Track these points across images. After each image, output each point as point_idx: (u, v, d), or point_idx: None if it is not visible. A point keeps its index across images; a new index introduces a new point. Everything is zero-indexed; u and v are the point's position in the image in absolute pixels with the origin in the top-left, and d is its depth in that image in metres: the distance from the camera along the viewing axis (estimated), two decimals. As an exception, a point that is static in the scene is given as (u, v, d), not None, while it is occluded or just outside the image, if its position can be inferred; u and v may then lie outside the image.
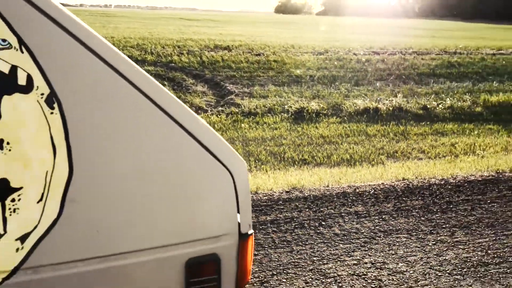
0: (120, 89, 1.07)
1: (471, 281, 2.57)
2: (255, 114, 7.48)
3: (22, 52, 1.00)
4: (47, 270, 1.01)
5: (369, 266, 2.68)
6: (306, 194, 3.69)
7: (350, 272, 2.62)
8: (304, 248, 2.87)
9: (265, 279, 2.51)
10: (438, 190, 3.91)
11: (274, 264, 2.64)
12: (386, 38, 19.84)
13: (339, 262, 2.72)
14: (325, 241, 2.95)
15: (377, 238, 3.03)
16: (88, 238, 1.04)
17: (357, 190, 3.82)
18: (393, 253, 2.85)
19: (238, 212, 1.20)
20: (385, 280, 2.55)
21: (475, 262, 2.77)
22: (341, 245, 2.92)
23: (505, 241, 3.04)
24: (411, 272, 2.64)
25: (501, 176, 4.36)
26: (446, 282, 2.56)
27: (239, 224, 1.20)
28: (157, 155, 1.10)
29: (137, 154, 1.08)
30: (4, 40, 0.99)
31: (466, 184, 4.09)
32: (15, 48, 1.00)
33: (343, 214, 3.35)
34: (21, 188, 0.99)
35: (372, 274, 2.60)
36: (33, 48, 1.00)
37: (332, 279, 2.54)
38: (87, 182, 1.03)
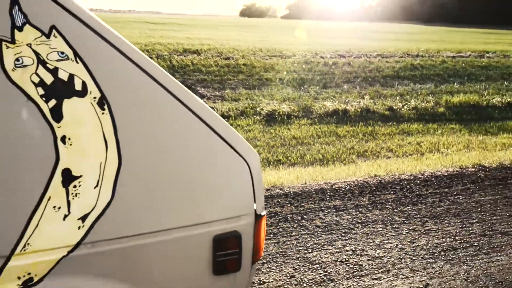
0: (157, 93, 1.28)
1: (442, 263, 2.87)
2: (228, 117, 7.70)
3: (77, 63, 1.20)
4: (103, 245, 1.21)
5: (350, 253, 2.94)
6: (286, 191, 3.94)
7: (333, 259, 2.87)
8: (289, 239, 3.10)
9: (257, 268, 2.73)
10: (408, 185, 4.22)
11: (263, 254, 2.86)
12: (351, 42, 20.37)
13: (322, 250, 2.97)
14: (308, 233, 3.20)
15: (355, 228, 3.30)
16: (135, 218, 1.24)
17: (334, 187, 4.09)
18: (371, 241, 3.12)
19: (254, 196, 1.42)
20: (365, 265, 2.82)
21: (444, 247, 3.07)
22: (323, 235, 3.17)
23: (470, 229, 3.36)
24: (388, 257, 2.92)
25: (464, 171, 4.72)
26: (420, 265, 2.84)
27: (255, 206, 1.42)
28: (188, 148, 1.31)
29: (172, 146, 1.29)
30: (62, 53, 1.19)
31: (433, 179, 4.42)
32: (71, 59, 1.19)
33: (322, 208, 3.61)
34: (81, 176, 1.18)
35: (353, 260, 2.87)
36: (85, 59, 1.21)
37: (318, 265, 2.79)
38: (133, 170, 1.23)
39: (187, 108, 1.32)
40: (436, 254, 2.98)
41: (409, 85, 11.32)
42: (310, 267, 2.77)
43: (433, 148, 6.51)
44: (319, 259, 2.86)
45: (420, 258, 2.92)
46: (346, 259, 2.87)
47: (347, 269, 2.76)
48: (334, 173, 4.69)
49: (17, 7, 1.14)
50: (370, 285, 2.60)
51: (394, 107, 8.94)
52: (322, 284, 2.60)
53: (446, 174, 4.58)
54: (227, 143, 1.37)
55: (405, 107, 9.00)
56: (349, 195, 3.91)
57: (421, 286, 2.61)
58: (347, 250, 2.98)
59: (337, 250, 2.98)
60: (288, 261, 2.81)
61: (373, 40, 24.34)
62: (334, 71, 12.11)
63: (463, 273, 2.76)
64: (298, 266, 2.77)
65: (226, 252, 1.36)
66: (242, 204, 1.39)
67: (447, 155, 5.83)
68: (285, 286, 2.56)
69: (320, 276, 2.67)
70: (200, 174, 1.33)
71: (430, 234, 3.26)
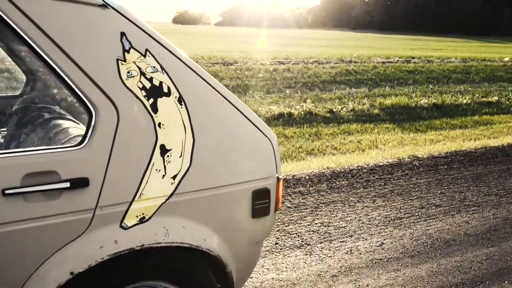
0: (211, 93, 1.90)
1: (392, 229, 3.63)
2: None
3: (163, 74, 1.81)
4: (186, 195, 1.81)
5: (319, 225, 3.64)
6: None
7: (306, 230, 3.57)
8: (268, 217, 3.76)
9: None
10: (357, 173, 5.01)
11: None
12: (287, 48, 21.39)
13: (296, 224, 3.65)
14: (282, 212, 3.88)
15: (320, 207, 4.01)
16: (205, 177, 1.85)
17: (295, 177, 4.79)
18: (334, 216, 3.85)
19: (276, 164, 2.07)
20: (333, 233, 3.53)
21: (392, 217, 3.85)
22: (295, 213, 3.86)
23: (411, 203, 4.17)
24: (350, 226, 3.65)
25: (402, 161, 5.58)
26: (375, 230, 3.59)
27: (276, 171, 2.07)
28: (235, 131, 1.95)
29: (226, 129, 1.92)
30: (154, 67, 1.79)
31: (377, 168, 5.24)
32: (159, 71, 1.80)
33: (290, 193, 4.30)
34: (171, 149, 1.78)
35: (323, 230, 3.57)
36: (168, 71, 1.81)
37: (295, 234, 3.47)
38: (202, 145, 1.85)
39: (230, 103, 1.95)
40: (386, 222, 3.75)
41: (345, 89, 12.31)
42: (289, 236, 3.45)
43: (372, 145, 7.38)
44: (295, 230, 3.54)
45: (374, 226, 3.67)
46: (317, 229, 3.58)
47: (318, 236, 3.46)
48: (291, 167, 5.40)
49: (124, 37, 1.74)
50: (339, 245, 3.32)
51: (334, 110, 9.81)
52: (301, 247, 3.28)
53: (387, 164, 5.42)
54: (258, 128, 2.01)
55: (344, 109, 9.88)
56: (309, 182, 4.63)
57: (378, 244, 3.35)
58: (316, 223, 3.68)
59: (308, 223, 3.68)
60: (270, 233, 3.47)
61: (307, 47, 25.53)
62: (275, 77, 12.91)
63: (408, 234, 3.54)
64: (279, 236, 3.44)
65: (260, 202, 2.00)
66: (269, 170, 2.04)
67: (385, 150, 6.71)
68: (273, 250, 3.22)
69: (299, 242, 3.36)
70: (243, 149, 1.97)
71: (380, 208, 4.03)
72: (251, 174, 1.97)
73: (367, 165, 5.38)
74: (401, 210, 4.02)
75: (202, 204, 1.86)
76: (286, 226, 3.61)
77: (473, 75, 16.34)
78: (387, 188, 4.58)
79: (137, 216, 1.72)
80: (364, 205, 4.12)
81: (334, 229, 3.60)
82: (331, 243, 3.37)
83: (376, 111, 10.11)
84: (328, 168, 5.24)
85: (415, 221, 3.81)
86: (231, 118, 1.94)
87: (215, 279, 1.92)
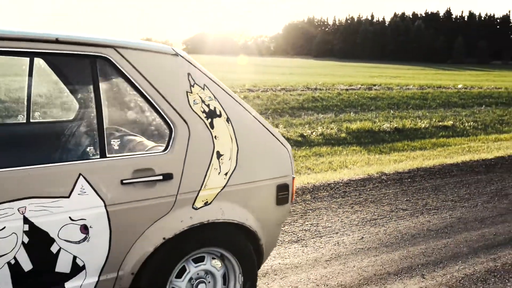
0: (245, 113, 2.71)
1: (369, 227, 4.47)
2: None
3: (215, 100, 2.60)
4: (233, 187, 2.58)
5: (310, 226, 4.45)
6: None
7: (300, 229, 4.36)
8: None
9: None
10: (335, 187, 5.85)
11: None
12: (254, 76, 22.40)
13: (291, 225, 4.44)
14: (277, 217, 4.66)
15: (308, 212, 4.82)
16: (246, 174, 2.63)
17: (282, 190, 5.59)
18: (320, 218, 4.66)
19: (291, 166, 2.87)
20: (322, 231, 4.34)
21: (368, 219, 4.69)
22: (288, 218, 4.65)
23: (383, 208, 5.03)
24: (335, 226, 4.47)
25: (371, 176, 6.47)
26: (355, 228, 4.42)
27: (292, 171, 2.87)
28: (265, 141, 2.75)
29: (258, 141, 2.72)
30: (210, 97, 2.59)
31: (351, 182, 6.11)
32: (213, 99, 2.59)
33: (280, 202, 5.09)
34: (223, 154, 2.56)
35: (313, 229, 4.37)
36: (218, 98, 2.61)
37: (291, 233, 4.26)
38: (244, 152, 2.63)
39: (258, 122, 2.76)
40: (364, 222, 4.59)
41: (313, 115, 13.26)
42: (286, 234, 4.23)
43: (342, 165, 8.25)
44: (291, 230, 4.34)
45: (354, 225, 4.51)
46: (308, 228, 4.38)
47: (310, 233, 4.27)
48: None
49: (190, 76, 2.53)
50: (328, 239, 4.12)
51: (305, 134, 10.68)
52: (297, 242, 4.07)
53: (359, 178, 6.30)
54: (279, 140, 2.82)
55: (314, 133, 10.76)
56: (295, 194, 5.44)
57: (359, 238, 4.18)
58: (307, 224, 4.49)
59: (300, 224, 4.48)
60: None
61: (272, 74, 26.65)
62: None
63: (382, 230, 4.39)
64: (278, 234, 4.21)
65: (281, 193, 2.79)
66: (287, 170, 2.84)
67: (355, 169, 7.60)
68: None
69: (295, 238, 4.15)
70: (269, 155, 2.77)
71: (358, 212, 4.88)
72: (275, 173, 2.78)
73: (342, 180, 6.25)
74: (375, 213, 4.87)
75: (244, 193, 2.64)
76: (283, 227, 4.40)
77: (430, 101, 17.67)
78: (362, 197, 5.44)
79: (203, 201, 2.49)
80: (344, 210, 4.96)
81: (322, 228, 4.42)
82: (321, 238, 4.18)
83: (343, 135, 11.00)
84: (308, 183, 6.06)
85: (387, 221, 4.66)
86: (260, 133, 2.75)
87: (252, 249, 2.70)
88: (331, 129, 11.23)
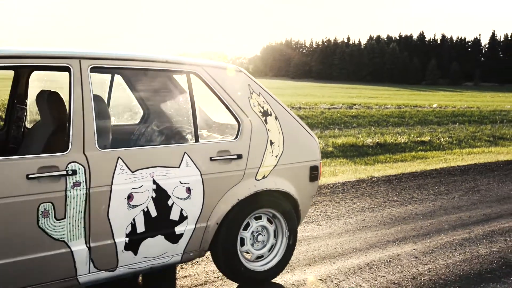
0: (285, 113, 3.75)
1: (368, 213, 5.51)
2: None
3: (267, 104, 3.64)
4: (282, 166, 3.60)
5: (320, 212, 5.47)
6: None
7: (312, 214, 5.38)
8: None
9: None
10: (333, 186, 6.90)
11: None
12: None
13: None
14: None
15: (316, 204, 5.85)
16: (290, 157, 3.65)
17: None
18: (327, 207, 5.69)
19: (319, 152, 3.91)
20: (330, 215, 5.37)
21: (367, 207, 5.74)
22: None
23: (377, 200, 6.09)
24: (340, 212, 5.50)
25: (363, 179, 7.54)
26: (357, 213, 5.46)
27: (319, 156, 3.91)
28: (301, 134, 3.78)
29: (296, 133, 3.75)
30: (264, 101, 3.62)
31: (347, 183, 7.17)
32: (266, 103, 3.63)
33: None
34: (274, 142, 3.59)
35: (323, 214, 5.40)
36: (268, 101, 3.65)
37: (306, 217, 5.27)
38: (287, 141, 3.66)
39: (295, 119, 3.80)
40: (364, 210, 5.64)
41: (302, 131, 14.31)
42: (302, 217, 5.24)
43: (332, 174, 9.31)
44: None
45: (356, 211, 5.55)
46: (319, 214, 5.41)
47: (321, 217, 5.30)
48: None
49: (249, 86, 3.57)
50: (336, 221, 5.15)
51: (297, 147, 11.68)
52: (312, 223, 5.08)
53: (354, 180, 7.37)
54: (309, 133, 3.87)
55: (305, 147, 11.75)
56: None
57: (362, 220, 5.22)
58: (317, 211, 5.51)
59: (311, 212, 5.50)
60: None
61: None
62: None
63: (379, 215, 5.44)
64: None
65: (313, 172, 3.82)
66: (316, 155, 3.87)
67: (347, 175, 8.67)
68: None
69: (310, 220, 5.17)
70: (304, 143, 3.80)
71: (357, 203, 5.93)
72: (308, 157, 3.81)
73: (339, 182, 7.31)
74: (372, 203, 5.94)
75: (288, 171, 3.67)
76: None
77: (407, 119, 18.99)
78: (359, 192, 6.51)
79: (262, 175, 3.51)
80: (346, 201, 6.01)
81: (330, 213, 5.46)
82: (331, 220, 5.21)
83: (330, 149, 12.04)
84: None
85: (382, 208, 5.73)
86: (297, 128, 3.79)
87: (294, 213, 3.71)
88: (319, 144, 12.27)
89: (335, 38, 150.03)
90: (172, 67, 3.31)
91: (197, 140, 3.30)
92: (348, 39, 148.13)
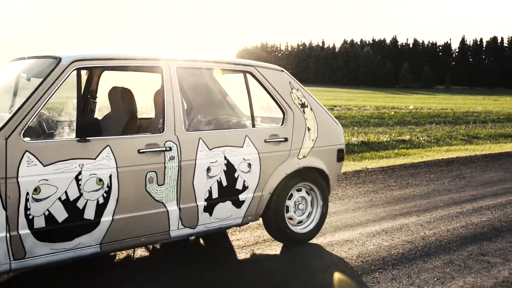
0: (317, 105, 4.59)
1: (373, 195, 6.39)
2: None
3: (304, 97, 4.49)
4: (317, 148, 4.43)
5: (331, 195, 6.32)
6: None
7: (326, 196, 6.23)
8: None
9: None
10: (337, 175, 7.76)
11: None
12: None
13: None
14: (306, 190, 6.51)
15: (326, 188, 6.70)
16: (323, 141, 4.49)
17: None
18: (337, 192, 6.55)
19: (343, 137, 4.76)
20: (341, 196, 6.22)
21: (370, 190, 6.62)
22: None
23: (378, 185, 6.98)
24: (349, 195, 6.36)
25: (359, 170, 8.43)
26: (364, 195, 6.33)
27: (344, 141, 4.76)
28: (329, 121, 4.63)
29: (326, 121, 4.59)
30: (301, 95, 4.46)
31: (347, 173, 8.05)
32: (303, 97, 4.48)
33: (303, 183, 6.95)
34: (311, 129, 4.43)
35: (335, 196, 6.25)
36: (305, 96, 4.50)
37: (321, 197, 6.11)
38: (321, 128, 4.50)
39: (323, 109, 4.65)
40: (368, 193, 6.52)
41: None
42: (318, 198, 6.09)
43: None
44: (320, 196, 6.20)
45: (362, 194, 6.43)
46: (331, 196, 6.25)
47: (334, 198, 6.15)
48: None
49: (290, 83, 4.42)
50: (347, 201, 6.02)
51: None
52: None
53: (352, 171, 8.26)
54: (335, 122, 4.72)
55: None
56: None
57: (369, 200, 6.09)
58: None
59: (325, 194, 6.34)
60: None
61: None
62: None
63: (383, 196, 6.32)
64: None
65: (340, 154, 4.67)
66: (342, 140, 4.72)
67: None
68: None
69: (326, 200, 6.01)
70: (332, 130, 4.65)
71: (361, 188, 6.81)
72: (336, 141, 4.66)
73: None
74: (374, 188, 6.83)
75: (322, 152, 4.51)
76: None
77: (387, 120, 20.04)
78: (360, 180, 7.40)
79: (302, 155, 4.34)
80: (351, 187, 6.89)
81: (341, 195, 6.32)
82: (343, 200, 6.07)
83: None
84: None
85: (384, 191, 6.62)
86: (326, 117, 4.64)
87: (326, 186, 4.55)
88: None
89: (310, 41, 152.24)
90: (234, 67, 4.14)
91: (254, 126, 4.12)
92: (323, 43, 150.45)
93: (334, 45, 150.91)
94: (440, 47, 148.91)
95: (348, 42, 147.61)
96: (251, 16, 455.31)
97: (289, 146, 4.25)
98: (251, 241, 4.49)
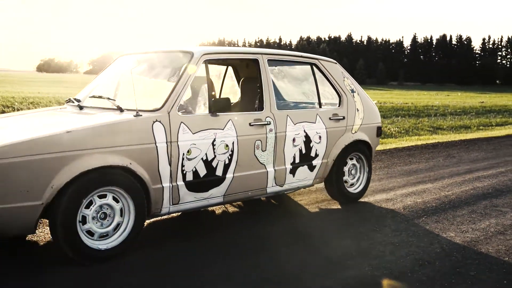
0: (362, 91, 5.69)
1: (386, 170, 7.56)
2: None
3: (352, 85, 5.58)
4: (364, 126, 5.53)
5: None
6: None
7: (349, 170, 7.36)
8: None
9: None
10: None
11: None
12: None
13: (342, 169, 7.43)
14: (329, 167, 7.62)
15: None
16: (367, 119, 5.59)
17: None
18: (356, 167, 7.69)
19: (380, 118, 5.88)
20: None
21: (384, 167, 7.78)
22: (336, 167, 7.64)
23: (387, 163, 8.16)
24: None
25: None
26: (379, 170, 7.49)
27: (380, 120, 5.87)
28: (369, 103, 5.73)
29: (367, 103, 5.70)
30: (351, 83, 5.56)
31: (353, 153, 9.20)
32: (352, 84, 5.57)
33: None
34: (359, 110, 5.52)
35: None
36: (353, 83, 5.59)
37: (346, 171, 7.24)
38: (366, 109, 5.59)
39: (366, 96, 5.75)
40: (382, 168, 7.69)
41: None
42: (344, 172, 7.22)
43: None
44: (345, 171, 7.33)
45: (378, 169, 7.58)
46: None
47: (357, 172, 7.28)
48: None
49: (342, 72, 5.51)
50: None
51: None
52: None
53: (356, 152, 9.41)
54: (373, 105, 5.83)
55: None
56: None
57: (385, 173, 7.25)
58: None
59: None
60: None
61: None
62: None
63: (392, 170, 7.50)
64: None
65: (378, 130, 5.79)
66: (379, 119, 5.84)
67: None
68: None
69: (351, 173, 7.14)
70: (373, 111, 5.75)
71: (374, 164, 7.97)
72: (375, 120, 5.80)
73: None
74: (384, 164, 8.02)
75: (367, 129, 5.64)
76: (339, 169, 7.37)
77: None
78: (369, 159, 8.56)
79: (354, 130, 5.46)
80: (365, 164, 8.04)
81: (361, 170, 7.45)
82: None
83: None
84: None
85: (394, 167, 7.81)
86: (369, 100, 5.76)
87: (370, 155, 5.66)
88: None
89: (267, 38, 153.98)
90: (304, 60, 5.19)
91: (320, 106, 5.19)
92: (280, 39, 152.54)
93: (291, 41, 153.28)
94: (393, 45, 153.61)
95: (304, 38, 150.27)
96: (208, 12, 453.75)
97: (345, 123, 5.34)
98: (314, 200, 5.55)
